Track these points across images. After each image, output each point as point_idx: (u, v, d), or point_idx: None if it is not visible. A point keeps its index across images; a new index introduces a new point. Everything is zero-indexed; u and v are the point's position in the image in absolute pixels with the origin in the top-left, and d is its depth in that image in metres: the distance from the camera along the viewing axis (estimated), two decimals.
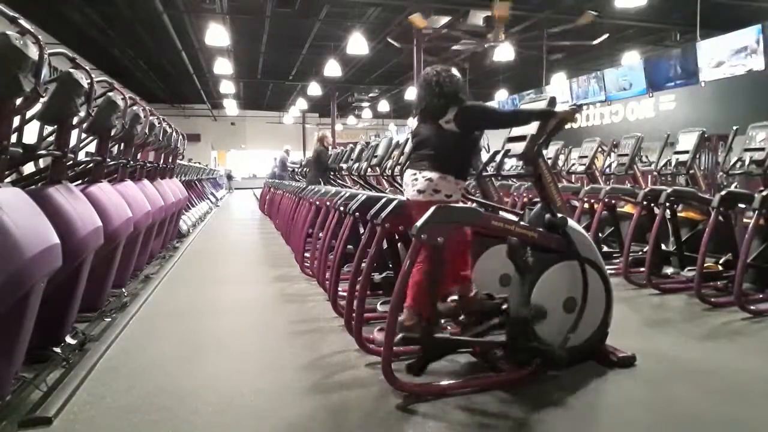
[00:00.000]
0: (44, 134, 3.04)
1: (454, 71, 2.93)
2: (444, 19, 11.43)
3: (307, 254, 5.41)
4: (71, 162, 3.26)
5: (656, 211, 4.62)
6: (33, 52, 2.22)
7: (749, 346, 3.22)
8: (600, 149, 7.03)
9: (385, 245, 3.40)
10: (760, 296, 4.04)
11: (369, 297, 3.23)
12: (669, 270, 4.78)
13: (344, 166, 6.81)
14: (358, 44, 11.44)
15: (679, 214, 4.85)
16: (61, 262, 2.41)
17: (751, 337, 3.37)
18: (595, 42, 11.05)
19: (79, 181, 3.72)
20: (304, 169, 10.06)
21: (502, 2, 9.31)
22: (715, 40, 10.29)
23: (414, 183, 2.79)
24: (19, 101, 2.33)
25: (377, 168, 5.41)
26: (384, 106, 23.75)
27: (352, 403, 2.46)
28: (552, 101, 2.92)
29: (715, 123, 8.89)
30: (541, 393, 2.50)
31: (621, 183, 6.35)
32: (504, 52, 10.96)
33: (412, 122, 3.14)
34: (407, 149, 4.66)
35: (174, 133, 6.30)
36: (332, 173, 7.47)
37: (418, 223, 2.40)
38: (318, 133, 8.18)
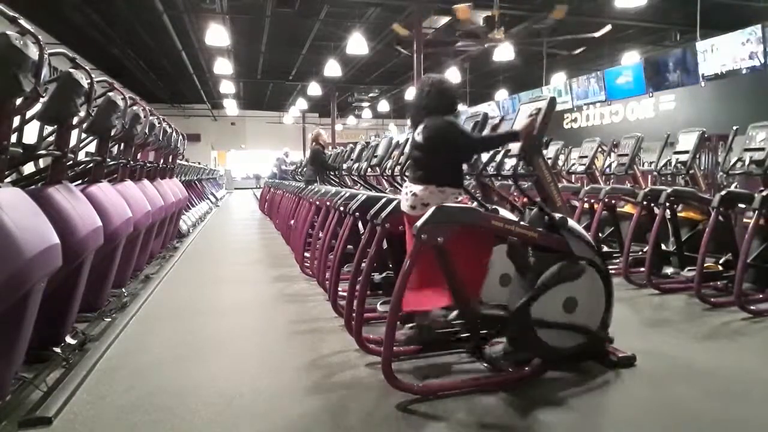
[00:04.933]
0: (44, 134, 3.04)
1: (448, 81, 2.93)
2: (444, 20, 11.42)
3: (307, 254, 5.41)
4: (71, 162, 3.26)
5: (656, 211, 4.62)
6: (33, 52, 2.22)
7: (749, 346, 3.22)
8: (600, 149, 7.03)
9: (385, 245, 3.40)
10: (760, 296, 4.04)
11: (369, 297, 3.23)
12: (669, 270, 4.78)
13: (344, 166, 6.80)
14: (358, 44, 11.43)
15: (679, 214, 4.85)
16: (61, 262, 2.41)
17: (751, 337, 3.37)
18: (598, 34, 10.95)
19: (79, 181, 3.72)
20: (304, 168, 10.03)
21: (560, 6, 9.36)
22: (715, 39, 10.30)
23: (406, 199, 2.83)
24: (19, 101, 2.33)
25: (377, 168, 5.41)
26: (384, 106, 23.75)
27: (352, 403, 2.46)
28: (552, 102, 2.92)
29: (715, 123, 8.88)
30: (541, 393, 2.50)
31: (621, 183, 6.35)
32: (504, 52, 10.96)
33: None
34: (407, 149, 4.66)
35: (174, 133, 6.30)
36: (332, 173, 7.44)
37: (418, 223, 2.40)
38: (312, 133, 8.12)
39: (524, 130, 2.83)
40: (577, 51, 12.54)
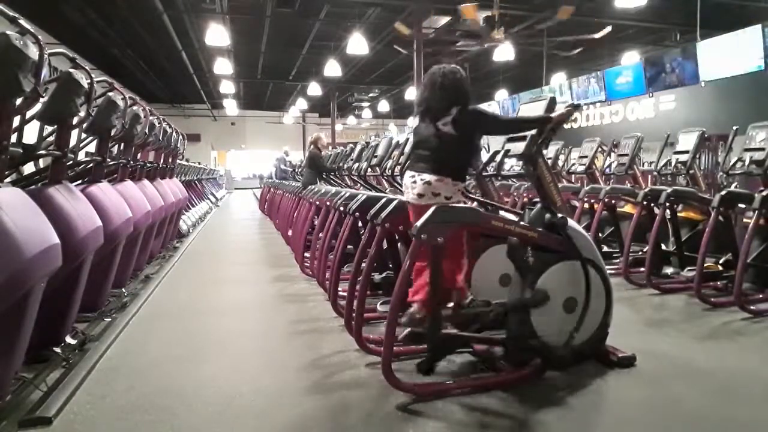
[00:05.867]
0: (44, 134, 3.04)
1: (461, 72, 2.92)
2: (444, 20, 11.42)
3: (307, 254, 5.41)
4: (71, 162, 3.26)
5: (656, 211, 4.62)
6: (33, 52, 2.22)
7: (749, 346, 3.22)
8: (600, 149, 7.03)
9: (385, 245, 3.40)
10: (760, 296, 4.04)
11: (369, 297, 3.23)
12: (669, 270, 4.78)
13: (344, 166, 6.80)
14: (358, 44, 11.43)
15: (679, 214, 4.85)
16: (61, 262, 2.41)
17: (751, 337, 3.37)
18: (598, 35, 10.95)
19: (79, 181, 3.72)
20: (301, 170, 10.02)
21: (565, 7, 9.34)
22: (715, 39, 10.29)
23: (413, 186, 2.77)
24: (19, 101, 2.33)
25: (377, 168, 5.41)
26: (384, 106, 23.75)
27: (352, 403, 2.46)
28: (551, 102, 2.93)
29: (715, 123, 8.88)
30: (541, 393, 2.50)
31: (621, 183, 6.35)
32: (504, 52, 10.95)
33: (413, 121, 3.17)
34: (407, 149, 4.66)
35: (174, 133, 6.30)
36: (332, 174, 7.44)
37: (418, 223, 2.40)
38: (312, 136, 8.11)
39: (559, 116, 2.81)
40: (575, 51, 12.52)
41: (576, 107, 2.87)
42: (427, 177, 2.73)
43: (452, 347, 2.75)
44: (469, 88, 2.88)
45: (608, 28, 10.75)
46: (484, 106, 17.53)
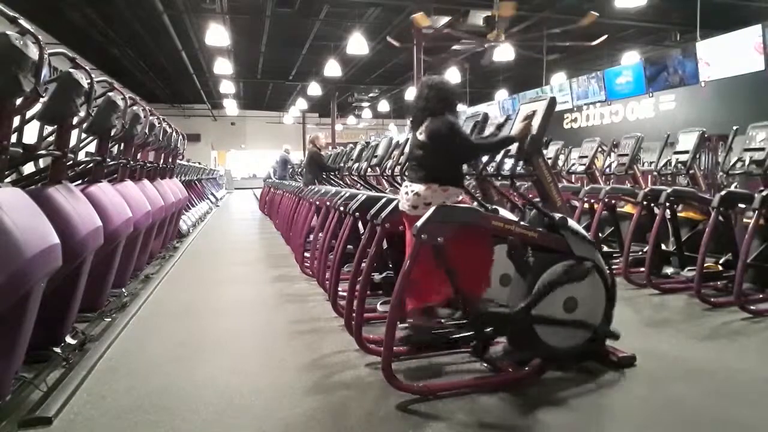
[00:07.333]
0: (44, 134, 3.04)
1: (448, 84, 2.97)
2: (444, 19, 11.41)
3: (307, 254, 5.41)
4: (71, 162, 3.26)
5: (656, 211, 4.62)
6: (33, 52, 2.22)
7: (749, 346, 3.22)
8: (600, 149, 7.03)
9: (385, 245, 3.40)
10: (760, 296, 4.04)
11: (369, 297, 3.23)
12: (669, 270, 4.78)
13: (344, 166, 6.80)
14: (358, 44, 11.43)
15: (679, 214, 4.84)
16: (61, 262, 2.41)
17: (751, 337, 3.37)
18: (594, 43, 11.00)
19: (79, 181, 3.72)
20: (301, 170, 10.01)
21: (505, 2, 9.23)
22: (715, 39, 10.30)
23: (406, 197, 2.85)
24: (19, 101, 2.33)
25: (377, 168, 5.41)
26: (384, 106, 23.75)
27: (352, 403, 2.46)
28: (552, 101, 2.93)
29: (715, 123, 8.88)
30: (541, 393, 2.50)
31: (621, 183, 6.35)
32: (504, 52, 10.94)
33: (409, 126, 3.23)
34: (407, 149, 4.66)
35: (174, 133, 6.30)
36: (332, 174, 7.44)
37: (418, 223, 2.41)
38: (310, 136, 8.14)
39: (520, 134, 2.88)
40: (562, 54, 12.46)
41: (528, 121, 2.90)
42: (416, 188, 2.82)
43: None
44: (454, 99, 2.93)
45: (604, 37, 10.76)
46: (485, 107, 17.57)
